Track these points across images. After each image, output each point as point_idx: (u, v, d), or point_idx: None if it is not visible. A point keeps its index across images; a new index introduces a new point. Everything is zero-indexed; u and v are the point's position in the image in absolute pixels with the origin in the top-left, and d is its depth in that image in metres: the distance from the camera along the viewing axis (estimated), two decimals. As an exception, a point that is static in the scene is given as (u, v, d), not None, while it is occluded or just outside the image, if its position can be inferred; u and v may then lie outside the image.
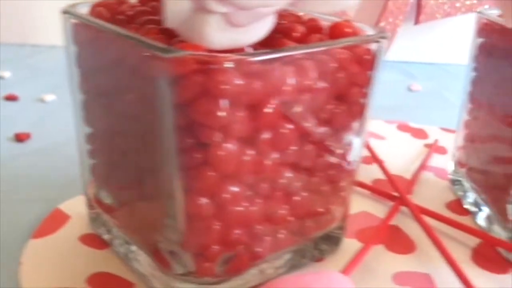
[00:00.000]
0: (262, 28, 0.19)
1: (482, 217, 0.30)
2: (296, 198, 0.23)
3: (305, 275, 0.22)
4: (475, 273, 0.26)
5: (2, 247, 0.27)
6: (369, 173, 0.35)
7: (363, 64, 0.22)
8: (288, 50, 0.20)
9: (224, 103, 0.18)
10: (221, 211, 0.21)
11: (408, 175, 0.35)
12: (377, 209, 0.31)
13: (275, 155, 0.21)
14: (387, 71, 0.58)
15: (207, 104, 0.18)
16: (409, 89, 0.55)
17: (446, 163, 0.37)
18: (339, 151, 0.24)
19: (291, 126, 0.21)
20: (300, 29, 0.22)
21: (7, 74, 0.52)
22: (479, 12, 0.31)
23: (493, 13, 0.30)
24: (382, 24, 0.58)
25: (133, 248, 0.25)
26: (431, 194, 0.33)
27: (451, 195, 0.34)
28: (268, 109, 0.20)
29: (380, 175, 0.34)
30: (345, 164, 0.25)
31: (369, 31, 0.23)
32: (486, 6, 0.51)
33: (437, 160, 0.38)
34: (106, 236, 0.27)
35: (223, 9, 0.18)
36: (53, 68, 0.52)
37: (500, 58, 0.29)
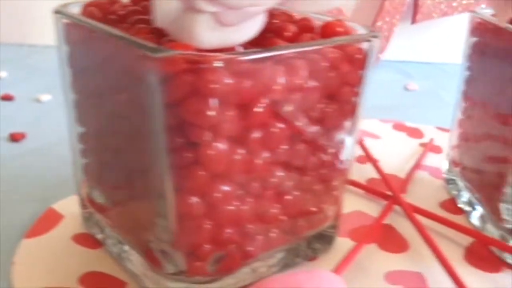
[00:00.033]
0: (252, 28, 0.19)
1: (476, 216, 0.30)
2: (288, 197, 0.23)
3: (296, 274, 0.21)
4: (467, 272, 0.26)
5: (-5, 246, 0.27)
6: (363, 172, 0.35)
7: (354, 63, 0.22)
8: (279, 49, 0.20)
9: (214, 102, 0.19)
10: (212, 210, 0.21)
11: (402, 174, 0.35)
12: (371, 208, 0.31)
13: (266, 154, 0.21)
14: (384, 70, 0.58)
15: (197, 104, 0.18)
16: (406, 89, 0.55)
17: (441, 162, 0.37)
18: (331, 150, 0.24)
19: (282, 125, 0.21)
20: (291, 29, 0.22)
21: (3, 74, 0.52)
22: (473, 12, 0.31)
23: (487, 12, 0.30)
24: (379, 23, 0.58)
25: (126, 247, 0.25)
26: (425, 193, 0.33)
27: (445, 194, 0.34)
28: (258, 108, 0.20)
29: (374, 174, 0.34)
30: (337, 163, 0.25)
31: (361, 30, 0.23)
32: (483, 6, 0.51)
33: (432, 159, 0.38)
34: (99, 236, 0.27)
35: (212, 8, 0.18)
36: (49, 68, 0.52)
37: (493, 57, 0.29)
